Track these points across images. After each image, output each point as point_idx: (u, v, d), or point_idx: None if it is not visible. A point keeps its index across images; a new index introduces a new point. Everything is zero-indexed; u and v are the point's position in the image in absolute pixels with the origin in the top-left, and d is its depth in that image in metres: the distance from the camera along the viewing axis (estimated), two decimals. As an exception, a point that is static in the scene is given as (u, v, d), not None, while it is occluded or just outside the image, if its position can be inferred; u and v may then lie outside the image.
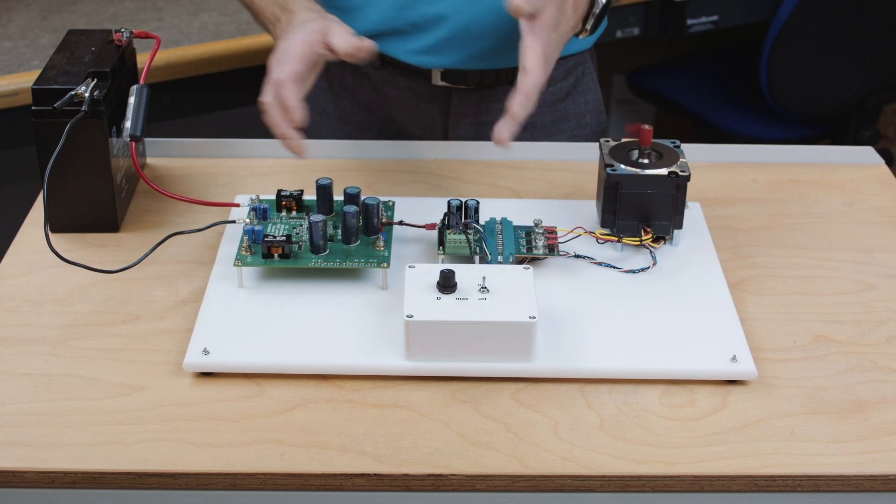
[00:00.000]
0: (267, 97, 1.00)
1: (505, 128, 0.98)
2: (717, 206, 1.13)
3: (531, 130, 1.31)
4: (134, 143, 1.05)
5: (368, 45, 1.01)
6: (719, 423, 0.86)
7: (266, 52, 1.69)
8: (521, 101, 0.97)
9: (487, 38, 1.21)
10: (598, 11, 1.11)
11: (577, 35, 1.12)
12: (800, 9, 2.01)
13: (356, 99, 1.32)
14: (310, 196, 1.06)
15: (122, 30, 1.11)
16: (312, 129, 1.35)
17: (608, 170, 1.02)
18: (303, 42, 1.02)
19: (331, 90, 1.33)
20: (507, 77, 1.25)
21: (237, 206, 1.07)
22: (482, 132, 1.30)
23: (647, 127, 1.03)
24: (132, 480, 0.81)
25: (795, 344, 0.94)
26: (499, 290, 0.90)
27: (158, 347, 0.93)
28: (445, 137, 1.30)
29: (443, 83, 1.25)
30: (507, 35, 1.19)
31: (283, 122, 1.00)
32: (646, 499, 0.83)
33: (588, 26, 1.12)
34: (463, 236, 1.00)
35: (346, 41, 1.00)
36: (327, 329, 0.93)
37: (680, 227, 1.04)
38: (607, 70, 2.55)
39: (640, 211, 1.02)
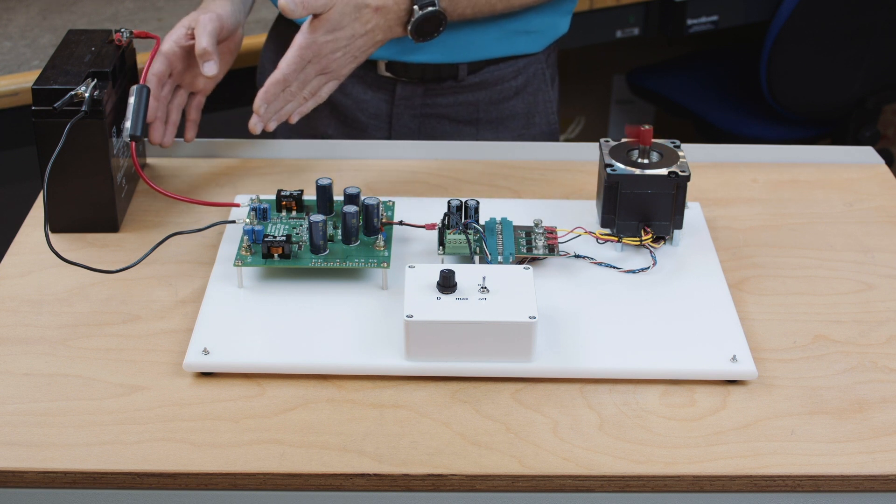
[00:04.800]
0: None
1: (253, 120, 1.10)
2: (717, 206, 1.13)
3: (475, 126, 1.34)
4: (134, 143, 1.05)
5: (208, 62, 1.10)
6: (719, 423, 0.86)
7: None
8: (259, 96, 1.08)
9: None
10: (414, 20, 1.14)
11: (413, 39, 1.16)
12: (800, 9, 2.01)
13: None
14: (310, 196, 1.06)
15: (122, 30, 1.11)
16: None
17: (608, 170, 1.02)
18: (171, 40, 1.13)
19: None
20: (449, 73, 1.29)
21: (237, 206, 1.07)
22: (426, 124, 1.33)
23: (646, 127, 1.03)
24: (132, 480, 0.81)
25: (795, 344, 0.94)
26: (499, 290, 0.90)
27: (158, 347, 0.93)
28: (390, 126, 1.33)
29: (387, 74, 1.29)
30: (444, 31, 1.20)
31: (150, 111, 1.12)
32: (646, 499, 0.83)
33: (409, 31, 1.15)
34: (463, 236, 1.00)
35: (198, 45, 1.10)
36: (327, 329, 0.93)
37: (680, 227, 1.04)
38: (607, 70, 2.56)
39: (640, 211, 1.02)
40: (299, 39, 1.08)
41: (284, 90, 1.09)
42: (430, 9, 1.13)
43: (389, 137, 1.33)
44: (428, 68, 1.28)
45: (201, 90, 1.17)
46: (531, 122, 1.36)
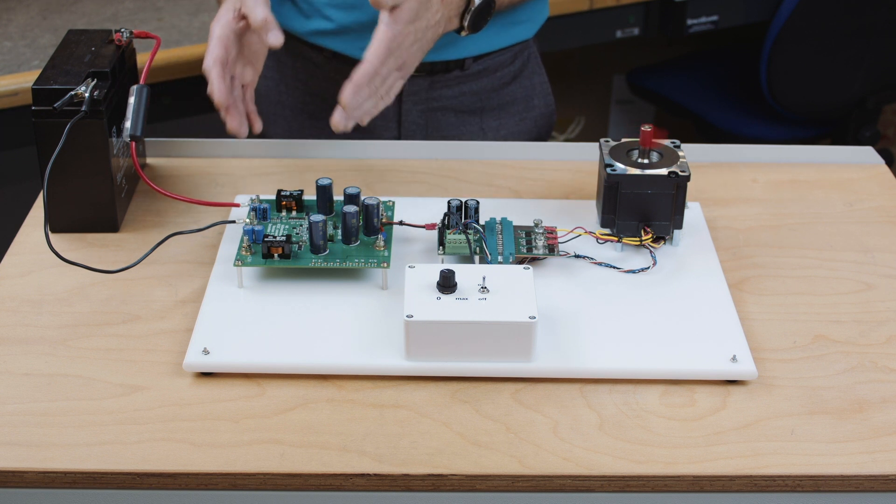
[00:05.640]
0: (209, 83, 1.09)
1: (338, 116, 1.05)
2: (717, 206, 1.13)
3: (479, 114, 1.35)
4: (134, 143, 1.05)
5: (272, 31, 1.06)
6: (719, 423, 0.86)
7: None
8: (349, 89, 1.04)
9: None
10: (473, 9, 1.14)
11: (458, 33, 1.16)
12: (800, 9, 2.01)
13: (308, 88, 1.34)
14: (310, 196, 1.06)
15: (122, 30, 1.11)
16: (267, 120, 1.38)
17: (608, 170, 1.02)
18: (221, 24, 1.09)
19: (283, 81, 1.36)
20: (456, 64, 1.30)
21: (237, 206, 1.07)
22: (433, 118, 1.33)
23: (646, 128, 1.03)
24: (132, 480, 0.81)
25: (795, 344, 0.94)
26: (499, 290, 0.90)
27: (158, 347, 0.93)
28: (399, 125, 1.33)
29: None
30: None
31: (220, 94, 1.08)
32: (646, 499, 0.83)
33: (465, 23, 1.15)
34: (463, 236, 1.00)
35: (256, 17, 1.06)
36: (327, 329, 0.93)
37: (680, 227, 1.04)
38: (607, 70, 2.56)
39: (640, 211, 1.02)
40: (385, 31, 1.05)
41: (370, 84, 1.06)
42: None
43: (399, 136, 1.33)
44: (437, 64, 1.29)
45: (249, 83, 1.13)
46: (530, 104, 1.38)
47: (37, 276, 1.01)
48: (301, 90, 1.35)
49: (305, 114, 1.36)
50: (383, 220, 1.02)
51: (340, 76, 1.30)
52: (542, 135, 1.41)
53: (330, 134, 1.35)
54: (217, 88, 1.07)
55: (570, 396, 0.88)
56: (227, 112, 1.08)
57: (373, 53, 1.05)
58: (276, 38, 1.06)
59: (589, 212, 1.10)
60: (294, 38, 1.31)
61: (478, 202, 1.02)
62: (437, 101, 1.32)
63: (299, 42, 1.31)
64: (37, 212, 1.11)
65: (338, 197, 1.06)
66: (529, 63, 1.37)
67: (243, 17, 1.09)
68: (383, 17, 1.05)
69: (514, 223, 1.04)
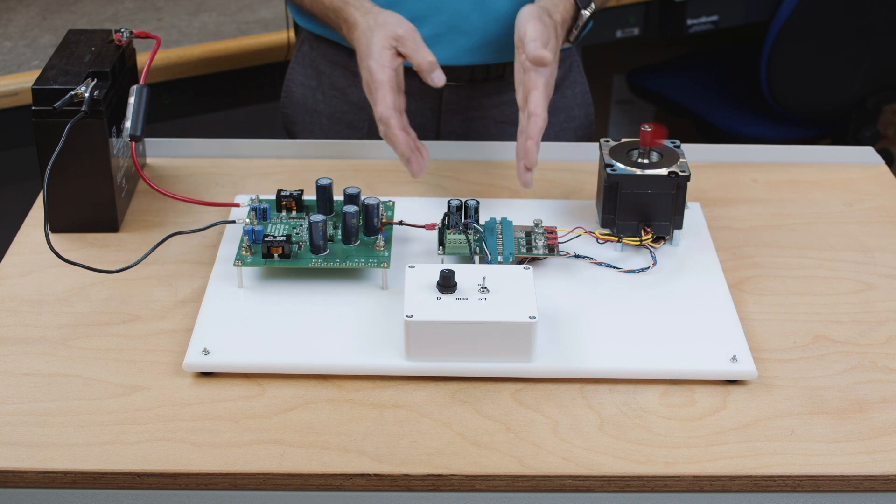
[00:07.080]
0: (384, 130, 1.06)
1: (527, 177, 1.05)
2: (717, 206, 1.13)
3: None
4: (134, 143, 1.05)
5: (437, 71, 1.06)
6: (719, 423, 0.86)
7: (265, 52, 1.69)
8: (534, 149, 1.03)
9: (474, 33, 1.22)
10: (581, 24, 1.15)
11: (567, 43, 1.17)
12: (800, 9, 2.01)
13: (346, 98, 1.33)
14: (310, 196, 1.06)
15: (122, 30, 1.11)
16: (303, 129, 1.36)
17: (608, 170, 1.02)
18: (383, 66, 1.06)
19: (321, 89, 1.34)
20: (497, 72, 1.28)
21: (237, 206, 1.07)
22: (473, 128, 1.31)
23: (646, 127, 1.03)
24: (132, 480, 0.81)
25: (795, 344, 0.94)
26: (499, 290, 0.90)
27: (158, 347, 0.93)
28: (437, 134, 1.31)
29: None
30: (494, 31, 1.20)
31: (404, 146, 1.05)
32: (646, 499, 0.83)
33: (571, 38, 1.17)
34: (463, 236, 1.00)
35: (425, 58, 1.05)
36: (327, 329, 0.93)
37: (680, 227, 1.04)
38: (607, 70, 2.56)
39: (640, 211, 1.02)
40: (537, 79, 1.04)
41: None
42: (590, 9, 1.14)
43: None
44: (477, 69, 1.27)
45: (403, 110, 1.10)
46: (571, 115, 1.36)
47: (37, 276, 1.01)
48: (339, 99, 1.33)
49: (343, 123, 1.34)
50: (383, 220, 1.02)
51: None
52: None
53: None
54: (402, 141, 1.05)
55: (570, 396, 0.88)
56: (408, 161, 1.06)
57: (538, 106, 1.04)
58: (440, 79, 1.06)
59: (589, 212, 1.10)
60: (332, 46, 1.30)
61: (478, 202, 1.02)
62: (477, 111, 1.30)
63: (338, 49, 1.29)
64: (37, 212, 1.11)
65: (338, 197, 1.06)
66: (572, 72, 1.35)
67: (399, 55, 1.07)
68: (536, 66, 1.04)
69: (514, 223, 1.04)
